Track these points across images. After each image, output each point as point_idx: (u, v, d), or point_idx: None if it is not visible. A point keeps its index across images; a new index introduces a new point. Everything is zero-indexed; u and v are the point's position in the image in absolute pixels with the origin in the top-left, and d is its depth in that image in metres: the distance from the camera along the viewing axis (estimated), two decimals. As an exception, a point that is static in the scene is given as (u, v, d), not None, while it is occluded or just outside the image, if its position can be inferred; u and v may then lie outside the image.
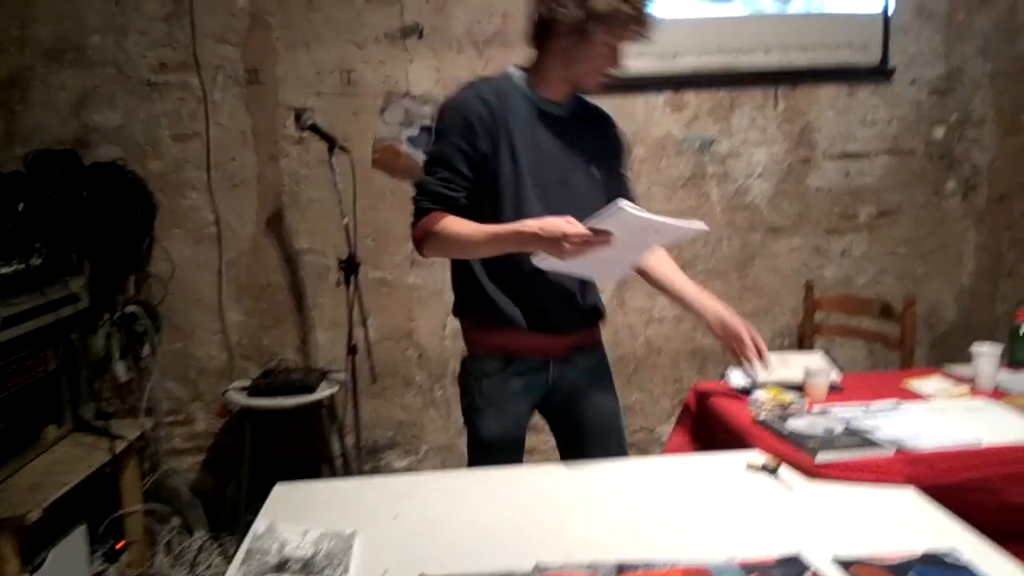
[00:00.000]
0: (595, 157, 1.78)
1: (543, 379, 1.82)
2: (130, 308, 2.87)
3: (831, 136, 3.18)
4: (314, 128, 2.69)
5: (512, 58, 2.92)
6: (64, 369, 2.61)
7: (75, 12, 2.80)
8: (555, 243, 1.50)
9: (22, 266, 2.40)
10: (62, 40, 2.81)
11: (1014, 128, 3.26)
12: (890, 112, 3.19)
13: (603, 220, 1.49)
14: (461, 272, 1.80)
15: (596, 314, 1.88)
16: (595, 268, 1.65)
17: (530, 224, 1.55)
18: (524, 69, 1.74)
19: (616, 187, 1.81)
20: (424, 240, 1.68)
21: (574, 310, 1.81)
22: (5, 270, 2.31)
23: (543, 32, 1.67)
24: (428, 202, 1.67)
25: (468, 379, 1.84)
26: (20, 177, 2.71)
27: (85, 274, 2.81)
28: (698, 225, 1.56)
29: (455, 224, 1.65)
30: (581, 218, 1.54)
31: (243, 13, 2.86)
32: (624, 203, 1.45)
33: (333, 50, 2.91)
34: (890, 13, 3.10)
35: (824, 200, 3.22)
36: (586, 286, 1.83)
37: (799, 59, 3.09)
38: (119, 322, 2.87)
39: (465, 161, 1.66)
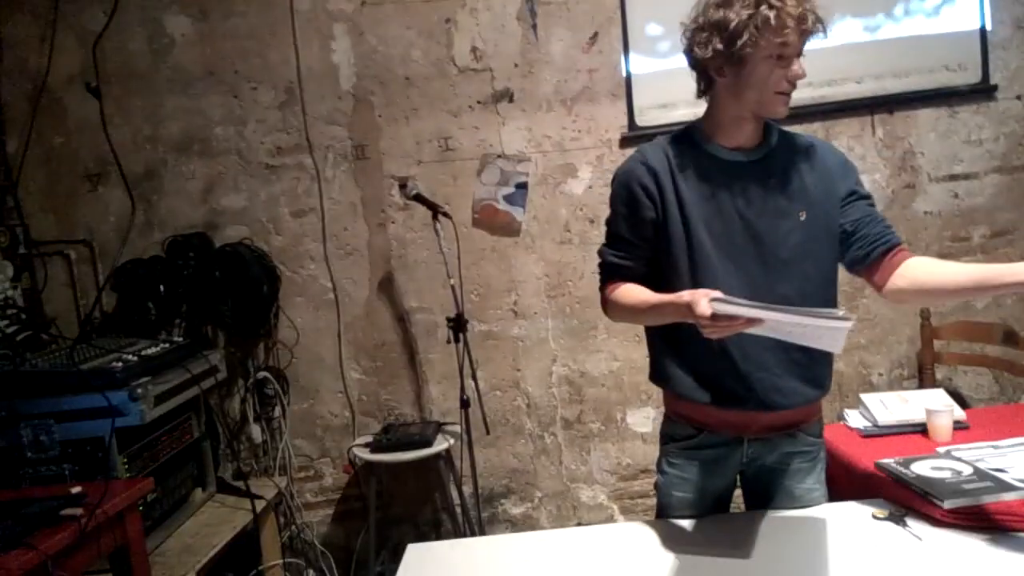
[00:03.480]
0: (799, 196, 1.60)
1: (736, 456, 1.70)
2: (261, 374, 3.09)
3: (935, 159, 3.10)
4: (418, 198, 2.86)
5: (599, 111, 3.08)
6: (206, 435, 2.84)
7: (199, 108, 3.08)
8: (694, 317, 1.39)
9: (168, 345, 2.64)
10: (189, 134, 3.09)
11: None
12: (996, 130, 3.08)
13: (719, 308, 1.36)
14: (650, 340, 1.75)
15: (802, 395, 1.63)
16: (795, 335, 1.42)
17: (684, 295, 1.44)
18: (703, 121, 1.66)
19: (831, 221, 1.61)
20: (605, 310, 1.74)
21: (765, 390, 1.60)
22: (154, 350, 2.55)
23: (704, 80, 1.62)
24: (605, 273, 1.72)
25: (661, 440, 1.80)
26: (159, 261, 2.99)
27: (220, 346, 3.06)
28: (839, 324, 1.31)
29: (625, 295, 1.65)
30: (780, 271, 1.54)
31: (348, 96, 3.07)
32: (717, 295, 1.36)
33: (430, 121, 3.09)
34: (988, 30, 3.02)
35: (933, 224, 3.13)
36: (783, 363, 1.60)
37: (894, 85, 3.04)
38: (252, 387, 3.09)
39: (632, 230, 1.65)
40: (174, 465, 2.64)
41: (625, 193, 1.64)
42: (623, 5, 3.01)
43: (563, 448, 3.23)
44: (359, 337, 3.18)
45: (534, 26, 3.05)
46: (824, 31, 1.52)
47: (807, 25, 1.49)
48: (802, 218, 1.59)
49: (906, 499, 1.67)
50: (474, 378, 2.91)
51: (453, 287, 2.83)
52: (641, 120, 3.05)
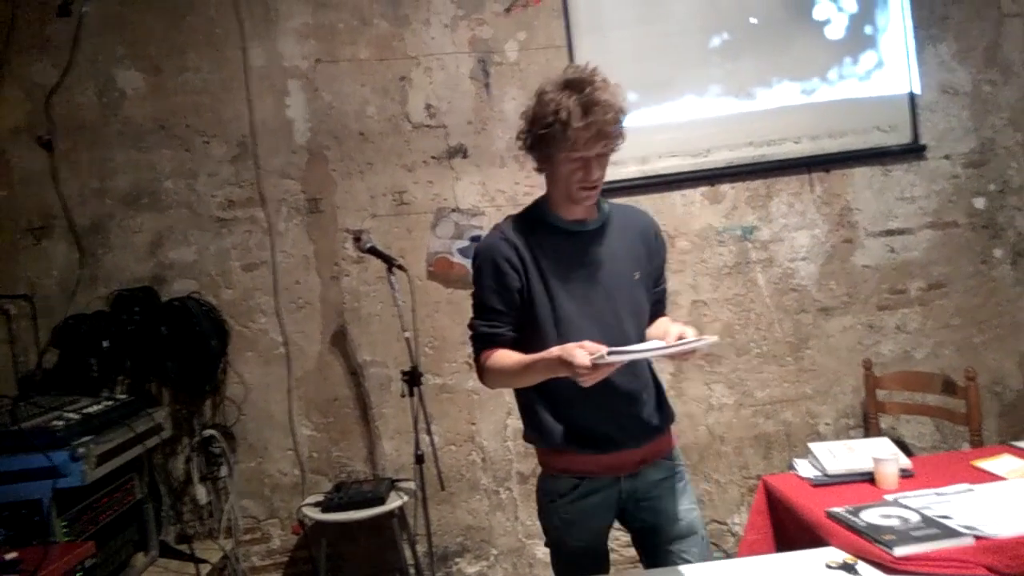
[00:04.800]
0: (633, 260, 1.84)
1: (615, 494, 1.84)
2: (207, 432, 2.99)
3: (871, 215, 3.24)
4: (373, 251, 2.87)
5: (553, 168, 3.13)
6: (149, 496, 2.73)
7: (149, 162, 3.05)
8: (572, 368, 1.56)
9: (111, 402, 2.55)
10: (138, 187, 3.05)
11: (1055, 193, 3.29)
12: (927, 187, 3.25)
13: (601, 360, 1.53)
14: (521, 400, 1.89)
15: (661, 424, 1.87)
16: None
17: (553, 351, 1.62)
18: (545, 197, 1.86)
19: (653, 285, 1.90)
20: (482, 378, 1.85)
21: (633, 427, 1.81)
22: (96, 408, 2.46)
23: (535, 162, 1.83)
24: (477, 343, 1.83)
25: (544, 498, 1.89)
26: (103, 316, 2.91)
27: (165, 403, 2.97)
28: (703, 342, 1.59)
29: (499, 359, 1.78)
30: (626, 322, 1.77)
31: (302, 150, 3.09)
32: (612, 351, 1.52)
33: (385, 175, 3.11)
34: (916, 93, 3.21)
35: (872, 277, 3.26)
36: (643, 400, 1.83)
37: (830, 145, 3.20)
38: (198, 446, 3.00)
39: (500, 300, 1.79)
40: (115, 528, 2.52)
41: (491, 267, 1.79)
42: (573, 66, 3.11)
43: (518, 503, 3.20)
44: (310, 392, 3.13)
45: (487, 85, 3.13)
46: (620, 140, 1.73)
47: (596, 139, 1.68)
48: (636, 277, 1.84)
49: (857, 547, 1.70)
50: (429, 432, 2.88)
51: (408, 340, 2.82)
52: (592, 176, 3.13)
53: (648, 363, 1.86)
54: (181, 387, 2.97)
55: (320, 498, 2.89)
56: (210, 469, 3.02)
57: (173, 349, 2.86)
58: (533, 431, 1.86)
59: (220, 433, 3.01)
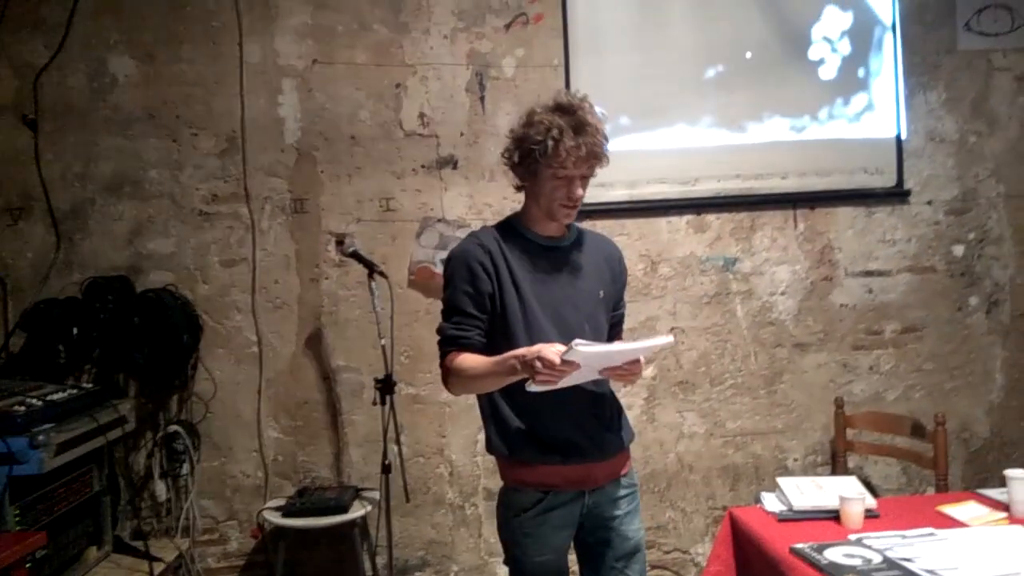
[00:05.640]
0: (599, 279, 1.93)
1: (579, 509, 1.87)
2: (172, 427, 2.94)
3: (852, 255, 3.28)
4: (355, 255, 2.85)
5: (541, 185, 3.13)
6: (107, 490, 2.68)
7: (135, 150, 3.01)
8: (532, 367, 1.62)
9: (76, 391, 2.50)
10: (121, 175, 3.01)
11: (1032, 246, 3.34)
12: (909, 231, 3.29)
13: (569, 354, 1.59)
14: (489, 410, 1.89)
15: (622, 440, 1.93)
16: (582, 377, 1.72)
17: (516, 351, 1.68)
18: (520, 213, 1.94)
19: (615, 307, 1.99)
20: (446, 380, 1.85)
21: (597, 438, 1.86)
22: (60, 395, 2.41)
23: (517, 179, 1.90)
24: (445, 345, 1.84)
25: (506, 512, 1.89)
26: (75, 303, 2.86)
27: (131, 395, 2.92)
28: (661, 340, 1.76)
29: (465, 360, 1.79)
30: (590, 335, 1.77)
31: (291, 149, 3.07)
32: (578, 342, 1.58)
33: (373, 181, 3.10)
34: (903, 138, 3.26)
35: (849, 316, 3.28)
36: (606, 413, 1.89)
37: (816, 183, 3.23)
38: (161, 441, 2.95)
39: (472, 303, 1.81)
40: (69, 520, 2.46)
41: (465, 270, 1.83)
42: (568, 86, 3.12)
43: (483, 520, 3.17)
44: (280, 394, 3.09)
45: (482, 98, 3.14)
46: (604, 163, 1.83)
47: (585, 159, 1.76)
48: (600, 296, 1.92)
49: (819, 585, 1.69)
50: (398, 442, 2.85)
51: (383, 348, 2.79)
52: (579, 197, 3.13)
53: (609, 385, 1.91)
54: (149, 380, 2.92)
55: (282, 502, 2.85)
56: (172, 466, 2.96)
57: (144, 341, 2.81)
58: (498, 438, 1.87)
59: (185, 430, 2.96)
